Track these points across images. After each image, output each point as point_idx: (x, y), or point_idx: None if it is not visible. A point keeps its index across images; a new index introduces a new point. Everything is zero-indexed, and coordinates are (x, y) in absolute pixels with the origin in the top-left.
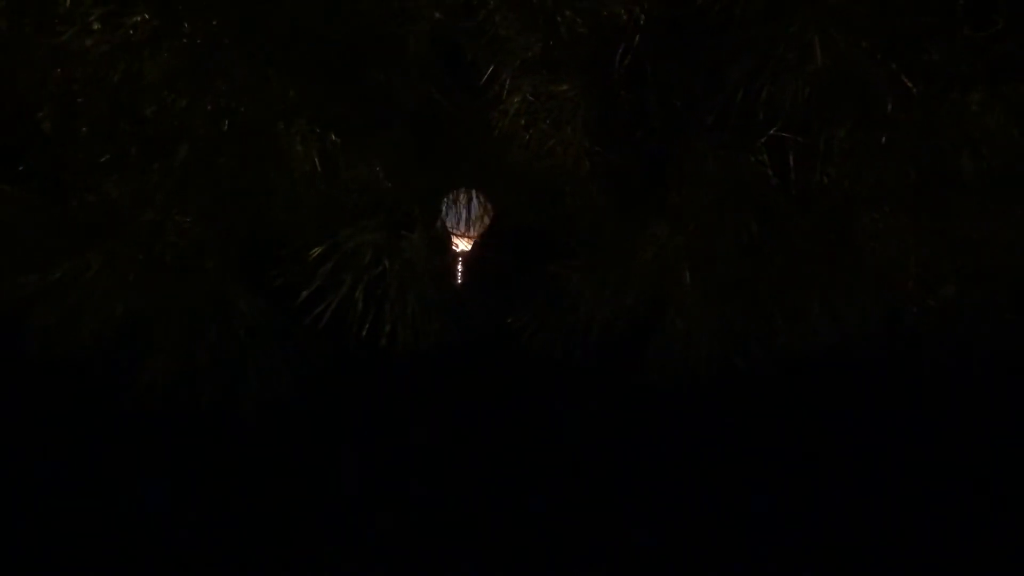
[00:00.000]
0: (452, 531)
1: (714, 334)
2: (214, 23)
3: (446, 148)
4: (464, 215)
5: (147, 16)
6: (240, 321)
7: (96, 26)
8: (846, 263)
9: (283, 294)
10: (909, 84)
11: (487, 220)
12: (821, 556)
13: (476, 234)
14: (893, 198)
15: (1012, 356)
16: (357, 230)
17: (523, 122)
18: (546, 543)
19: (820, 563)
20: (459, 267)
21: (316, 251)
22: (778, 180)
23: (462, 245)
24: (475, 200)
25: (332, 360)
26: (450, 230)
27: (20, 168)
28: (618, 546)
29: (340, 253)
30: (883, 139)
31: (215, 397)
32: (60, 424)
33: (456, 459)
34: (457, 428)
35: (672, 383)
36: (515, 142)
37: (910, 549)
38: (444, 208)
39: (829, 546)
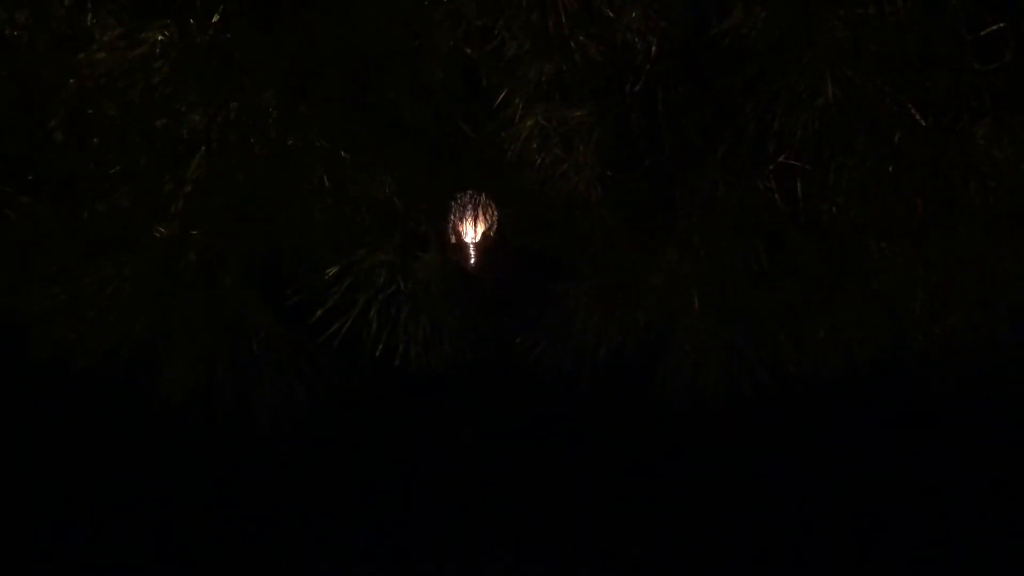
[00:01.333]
0: (461, 549)
1: (722, 359)
2: (227, 37)
3: (458, 169)
4: (471, 210)
5: (162, 32)
6: (256, 338)
7: (108, 37)
8: (853, 291)
9: (298, 312)
10: (917, 116)
11: (492, 214)
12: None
13: (484, 225)
14: (900, 227)
15: (1017, 386)
16: (372, 250)
17: (535, 146)
18: (553, 561)
19: None
20: (471, 253)
21: (331, 271)
22: (787, 207)
23: (471, 234)
24: (481, 199)
25: (346, 378)
26: (459, 223)
27: (30, 177)
28: (623, 566)
29: (355, 273)
30: (891, 169)
31: (230, 413)
32: (75, 437)
33: (466, 477)
34: (467, 447)
35: (680, 407)
36: (527, 165)
37: (911, 568)
38: (453, 207)
39: (833, 570)
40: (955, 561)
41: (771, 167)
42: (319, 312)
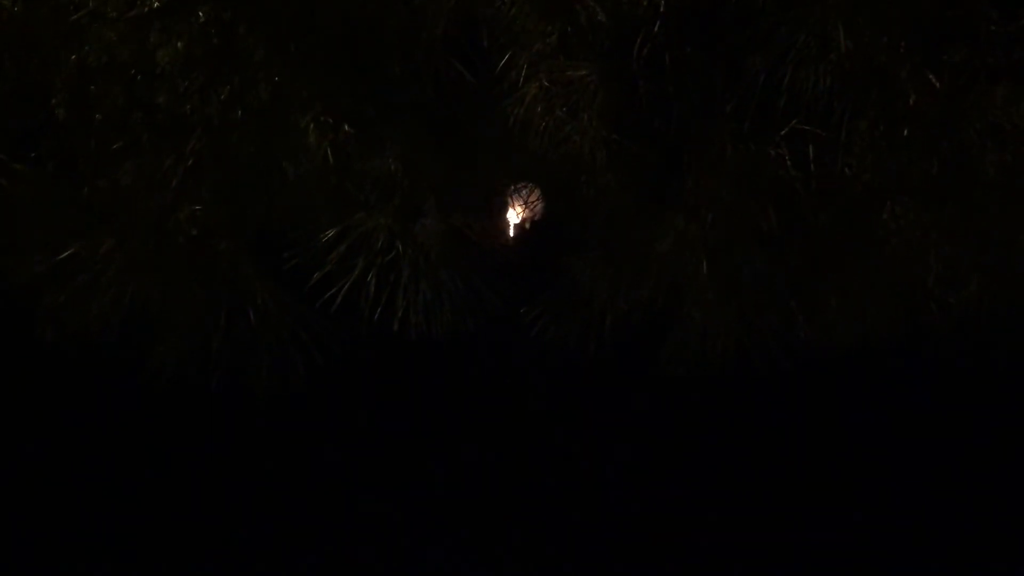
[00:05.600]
0: (460, 519)
1: (731, 327)
2: (228, 11)
3: (461, 137)
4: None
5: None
6: (251, 304)
7: (112, 14)
8: (866, 258)
9: (295, 277)
10: (931, 78)
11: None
12: (833, 552)
13: (531, 206)
14: (915, 192)
15: None
16: (371, 214)
17: (539, 109)
18: (555, 534)
19: (833, 559)
20: (510, 230)
21: (329, 234)
22: (798, 171)
23: (519, 213)
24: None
25: (343, 344)
26: (512, 202)
27: (33, 155)
28: (628, 540)
29: (353, 237)
30: (905, 132)
31: (225, 380)
32: (68, 406)
33: (465, 448)
34: (467, 416)
35: (688, 376)
36: (531, 130)
37: (922, 547)
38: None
39: (841, 542)
40: (965, 532)
41: (782, 132)
42: (316, 276)
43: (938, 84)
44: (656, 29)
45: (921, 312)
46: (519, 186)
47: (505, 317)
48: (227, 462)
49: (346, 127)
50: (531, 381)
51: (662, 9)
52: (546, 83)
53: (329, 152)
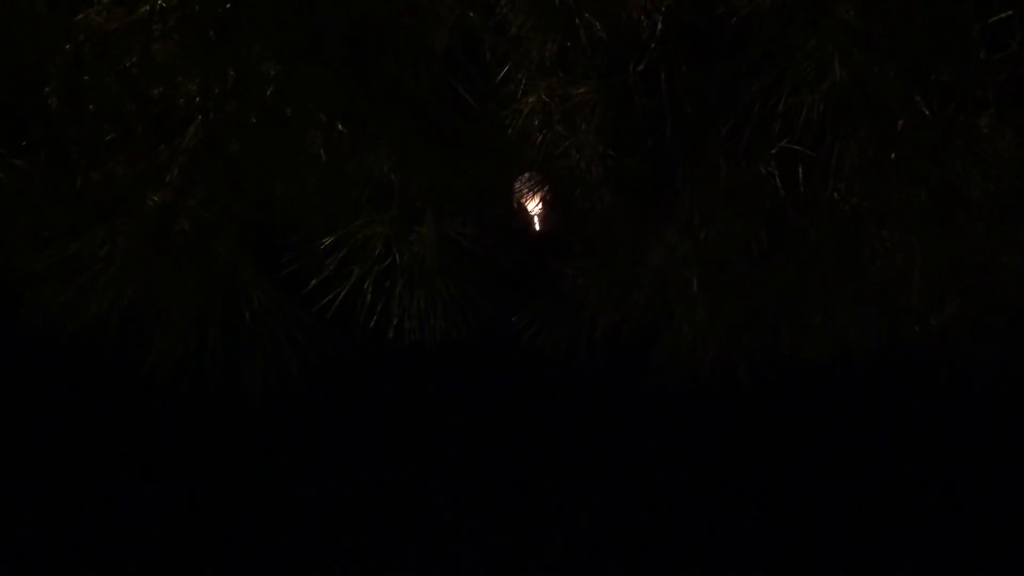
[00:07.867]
0: (452, 526)
1: (719, 341)
2: (226, 5)
3: (458, 145)
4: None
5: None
6: (248, 306)
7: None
8: (851, 277)
9: (292, 282)
10: (921, 104)
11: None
12: (818, 563)
13: (539, 198)
14: (900, 215)
15: (1011, 378)
16: (368, 221)
17: (537, 122)
18: (544, 540)
19: (817, 569)
20: (535, 222)
21: (327, 241)
22: (788, 191)
23: (535, 206)
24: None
25: (338, 350)
26: (523, 198)
27: (24, 143)
28: (615, 547)
29: (350, 244)
30: (893, 156)
31: (220, 382)
32: (64, 403)
33: (457, 455)
34: (459, 424)
35: (675, 389)
36: (528, 142)
37: (902, 557)
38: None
39: (826, 553)
40: (947, 545)
41: (773, 151)
42: (313, 282)
43: (927, 111)
44: (654, 47)
45: (904, 331)
46: (525, 178)
47: (497, 325)
48: (220, 462)
49: (340, 126)
50: (522, 389)
51: (660, 28)
52: (544, 97)
53: (322, 151)
